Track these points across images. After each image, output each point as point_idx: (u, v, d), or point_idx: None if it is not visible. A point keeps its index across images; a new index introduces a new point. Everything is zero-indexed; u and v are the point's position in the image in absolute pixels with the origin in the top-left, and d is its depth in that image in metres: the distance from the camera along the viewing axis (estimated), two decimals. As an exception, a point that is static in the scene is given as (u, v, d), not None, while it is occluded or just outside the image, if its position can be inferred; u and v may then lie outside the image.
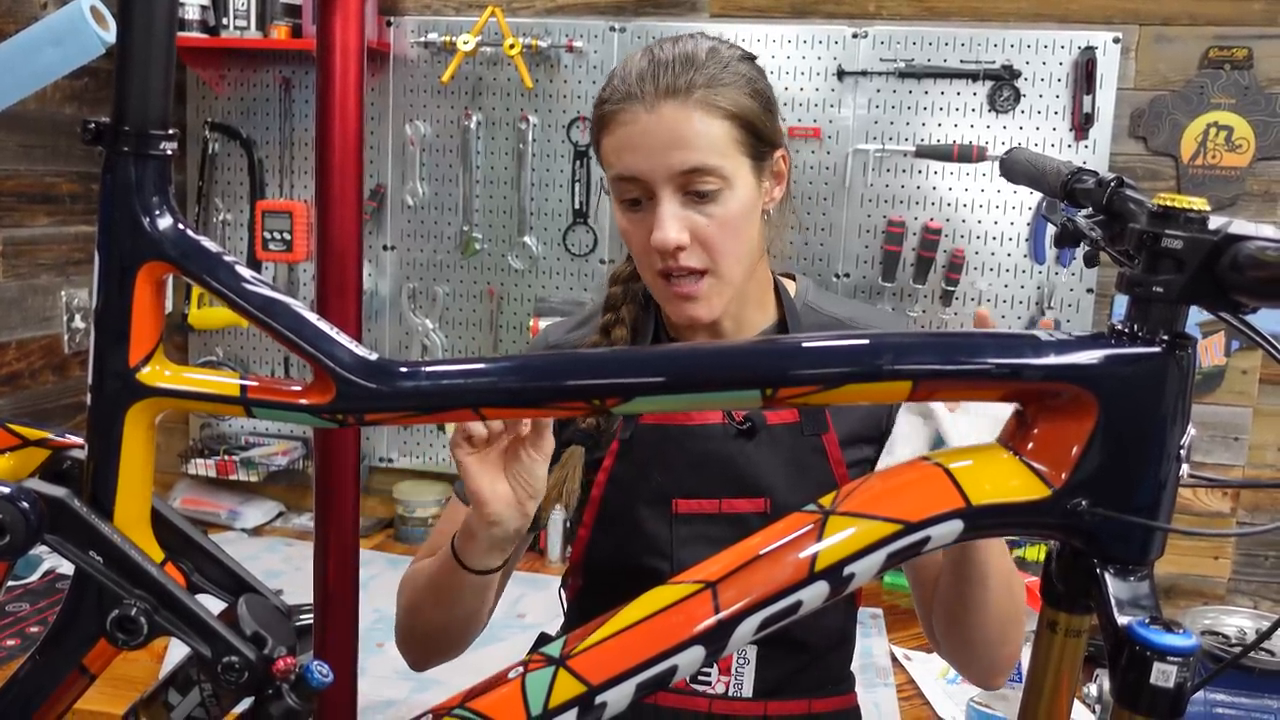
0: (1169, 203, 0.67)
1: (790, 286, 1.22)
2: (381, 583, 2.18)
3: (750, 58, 1.11)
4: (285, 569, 2.25)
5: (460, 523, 1.21)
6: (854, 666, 1.30)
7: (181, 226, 0.74)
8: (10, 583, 2.02)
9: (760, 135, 1.08)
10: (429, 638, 1.17)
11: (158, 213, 0.73)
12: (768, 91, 1.10)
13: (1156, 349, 0.68)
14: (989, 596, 1.09)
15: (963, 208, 2.26)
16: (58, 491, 0.75)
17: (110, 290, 0.74)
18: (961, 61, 2.23)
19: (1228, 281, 0.65)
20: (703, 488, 1.14)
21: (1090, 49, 2.17)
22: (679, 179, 1.04)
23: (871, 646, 1.92)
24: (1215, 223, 0.66)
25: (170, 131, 0.74)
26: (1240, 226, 0.66)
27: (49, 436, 0.83)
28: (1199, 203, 0.66)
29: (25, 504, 0.73)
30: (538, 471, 1.00)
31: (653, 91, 1.04)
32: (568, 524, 2.10)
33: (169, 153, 0.74)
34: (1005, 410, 0.76)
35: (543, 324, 2.36)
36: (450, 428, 2.57)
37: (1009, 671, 1.18)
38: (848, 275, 2.32)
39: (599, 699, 0.71)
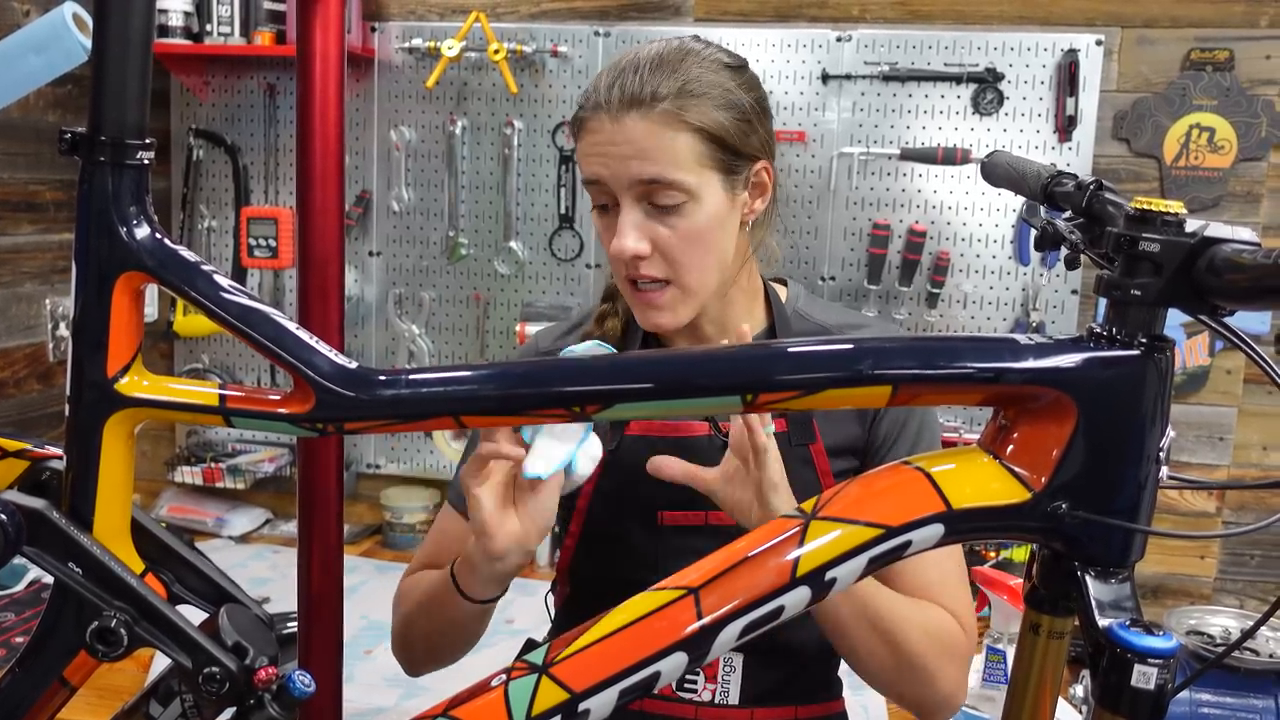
0: (1146, 206, 0.67)
1: (782, 292, 1.22)
2: (370, 589, 2.17)
3: (736, 65, 1.09)
4: (273, 576, 2.24)
5: (452, 533, 1.21)
6: (844, 669, 1.29)
7: (159, 236, 0.73)
8: (-6, 593, 2.01)
9: (732, 149, 1.06)
10: (424, 649, 1.18)
11: (135, 222, 0.73)
12: (746, 103, 1.07)
13: (1135, 352, 0.68)
14: (852, 645, 1.06)
15: (948, 210, 2.27)
16: (36, 503, 0.75)
17: (88, 300, 0.73)
18: (945, 64, 2.23)
19: (1205, 284, 0.65)
20: (689, 499, 1.13)
21: (1073, 51, 2.18)
22: (639, 188, 1.04)
23: (860, 649, 1.91)
24: (1192, 225, 0.66)
25: (147, 141, 0.73)
26: (1217, 229, 0.66)
27: (28, 447, 0.83)
28: (1175, 205, 0.67)
29: (3, 516, 0.73)
30: (548, 505, 0.98)
31: (618, 101, 1.04)
32: (556, 530, 2.09)
33: (146, 162, 0.73)
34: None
35: (530, 329, 2.36)
36: (440, 438, 2.55)
37: (943, 713, 1.13)
38: (833, 278, 2.33)
39: (582, 706, 0.71)
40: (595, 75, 1.10)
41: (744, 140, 1.07)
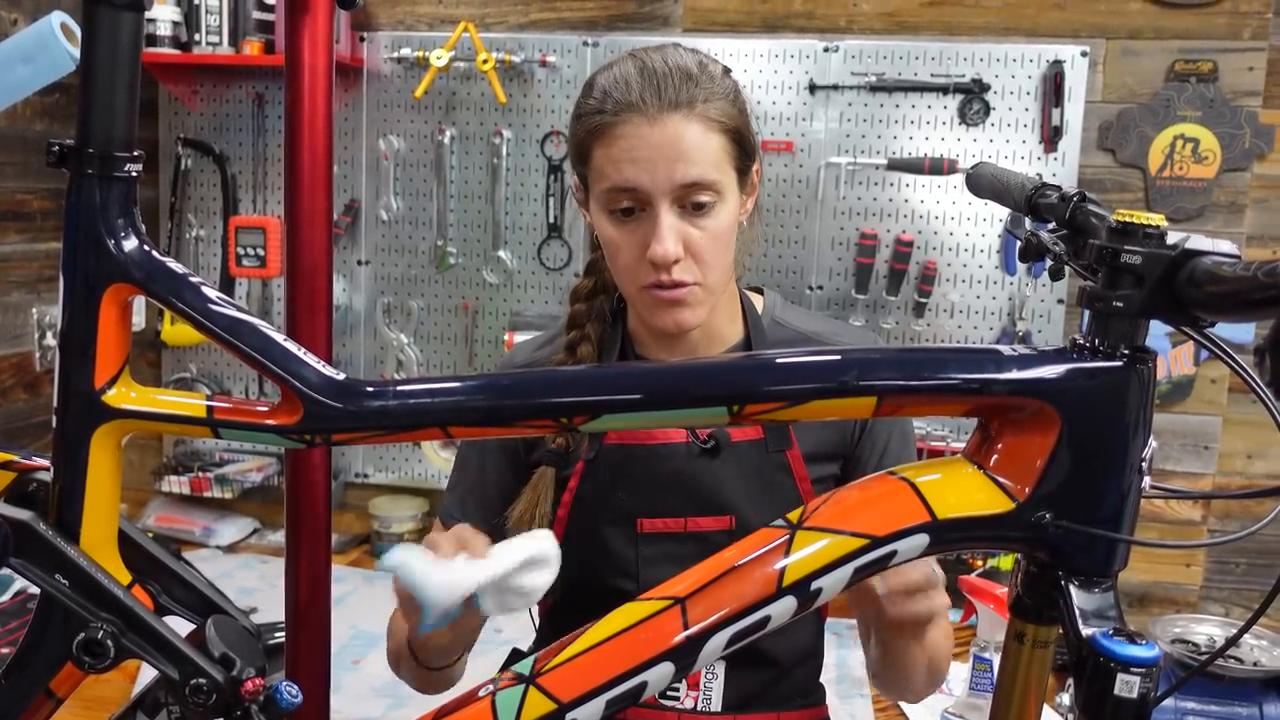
0: (1128, 218, 0.68)
1: (758, 301, 1.22)
2: (358, 599, 2.17)
3: (728, 71, 1.11)
4: (261, 586, 2.24)
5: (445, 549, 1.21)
6: (830, 678, 1.30)
7: (147, 248, 0.74)
8: (-20, 604, 2.00)
9: (746, 148, 1.09)
10: (413, 683, 1.20)
11: (123, 234, 0.73)
12: (746, 105, 1.11)
13: (1117, 363, 0.69)
14: (911, 674, 1.11)
15: (934, 220, 2.28)
16: (23, 515, 0.75)
17: (75, 312, 0.73)
18: (932, 75, 2.24)
19: (1186, 296, 0.66)
20: (668, 506, 1.14)
21: (1058, 62, 2.19)
22: (678, 192, 1.04)
23: (847, 658, 1.92)
24: (1173, 238, 0.67)
25: (135, 153, 0.73)
26: (1197, 242, 0.66)
27: (14, 459, 0.83)
28: (1157, 218, 0.67)
29: (-11, 528, 0.72)
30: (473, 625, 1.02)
31: (656, 104, 1.03)
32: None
33: (134, 174, 0.73)
34: None
35: (518, 338, 2.36)
36: (429, 448, 2.54)
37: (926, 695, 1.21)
38: (821, 288, 2.33)
39: (569, 716, 0.71)
40: (592, 83, 1.08)
41: (752, 139, 1.10)
